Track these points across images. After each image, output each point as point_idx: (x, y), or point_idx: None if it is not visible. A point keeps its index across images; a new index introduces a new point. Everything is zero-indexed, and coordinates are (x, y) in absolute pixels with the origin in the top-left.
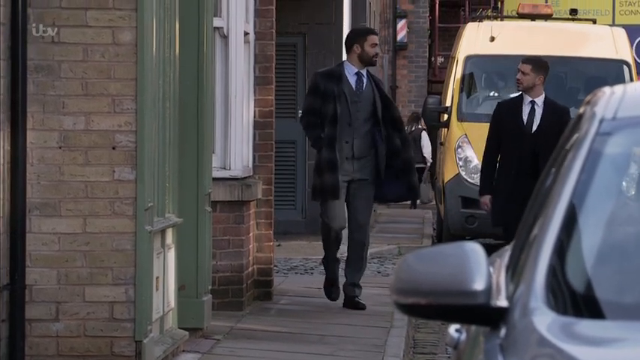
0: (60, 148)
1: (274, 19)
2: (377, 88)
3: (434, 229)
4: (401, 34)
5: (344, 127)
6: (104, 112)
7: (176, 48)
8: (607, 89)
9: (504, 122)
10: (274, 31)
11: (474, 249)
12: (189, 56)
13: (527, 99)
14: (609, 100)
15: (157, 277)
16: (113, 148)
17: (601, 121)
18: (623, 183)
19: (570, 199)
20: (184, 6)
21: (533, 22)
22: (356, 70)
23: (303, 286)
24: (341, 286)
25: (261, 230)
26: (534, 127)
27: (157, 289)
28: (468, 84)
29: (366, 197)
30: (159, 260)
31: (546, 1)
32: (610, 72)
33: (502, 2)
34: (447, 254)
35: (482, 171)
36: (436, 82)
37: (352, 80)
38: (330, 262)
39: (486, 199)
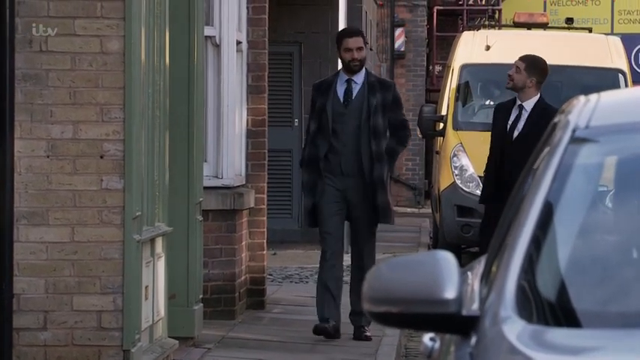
0: (48, 157)
1: (267, 28)
2: (369, 94)
3: (430, 237)
4: (399, 43)
5: (323, 144)
6: (92, 120)
7: (166, 57)
8: (582, 98)
9: (494, 127)
10: (267, 39)
11: (446, 258)
12: (179, 65)
13: (517, 102)
14: (583, 108)
15: (147, 286)
16: (101, 157)
17: (574, 129)
18: (595, 192)
19: (542, 207)
20: (175, 15)
21: (529, 30)
22: (346, 78)
23: (296, 295)
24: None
25: (254, 239)
26: (515, 135)
27: (146, 298)
28: (463, 93)
29: (364, 221)
30: (148, 269)
31: (545, 10)
32: (605, 81)
33: (500, 11)
34: (418, 263)
35: (485, 177)
36: (434, 91)
37: (340, 90)
38: (320, 291)
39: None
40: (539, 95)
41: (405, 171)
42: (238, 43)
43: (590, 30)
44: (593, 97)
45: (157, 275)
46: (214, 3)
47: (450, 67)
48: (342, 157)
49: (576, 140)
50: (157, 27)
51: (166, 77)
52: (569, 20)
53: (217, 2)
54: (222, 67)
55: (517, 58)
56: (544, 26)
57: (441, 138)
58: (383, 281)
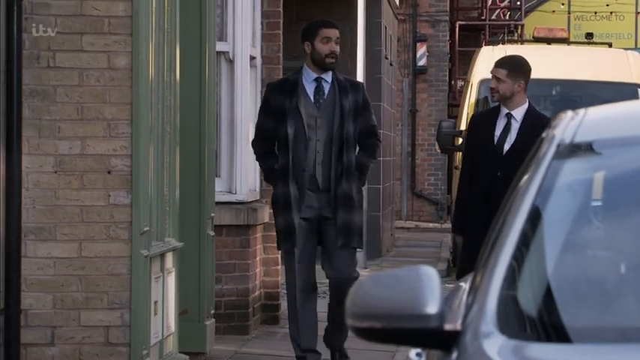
0: (55, 172)
1: (281, 44)
2: (341, 95)
3: (450, 252)
4: (421, 58)
5: (300, 152)
6: (99, 136)
7: (176, 72)
8: (569, 112)
9: (475, 144)
10: (281, 55)
11: (428, 273)
12: (190, 80)
13: (504, 111)
14: (569, 123)
15: (156, 302)
16: (108, 173)
17: (558, 144)
18: (578, 206)
19: (525, 222)
20: (186, 30)
21: (548, 45)
22: (315, 76)
23: None
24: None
25: (269, 254)
26: (506, 147)
27: (155, 314)
28: (482, 108)
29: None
30: (157, 284)
31: (568, 25)
32: (625, 96)
33: (522, 26)
34: (401, 278)
35: (456, 203)
36: (456, 106)
37: (310, 89)
38: (298, 334)
39: (460, 238)
40: (527, 102)
41: (427, 186)
42: (252, 58)
43: (609, 45)
44: (581, 111)
45: (166, 290)
46: (228, 19)
47: (469, 82)
48: (317, 168)
49: (560, 155)
50: (168, 43)
51: (177, 93)
52: (589, 35)
53: (231, 18)
54: (235, 83)
55: (493, 66)
56: (564, 41)
57: (460, 153)
58: (366, 297)
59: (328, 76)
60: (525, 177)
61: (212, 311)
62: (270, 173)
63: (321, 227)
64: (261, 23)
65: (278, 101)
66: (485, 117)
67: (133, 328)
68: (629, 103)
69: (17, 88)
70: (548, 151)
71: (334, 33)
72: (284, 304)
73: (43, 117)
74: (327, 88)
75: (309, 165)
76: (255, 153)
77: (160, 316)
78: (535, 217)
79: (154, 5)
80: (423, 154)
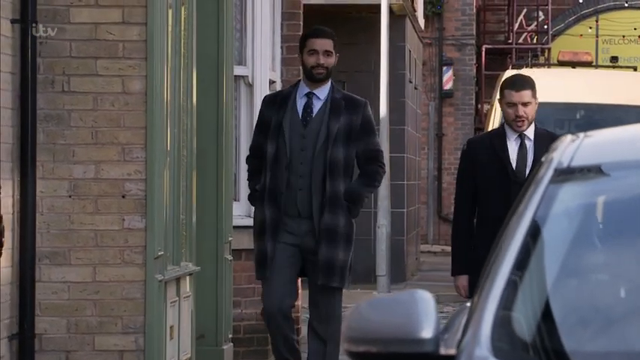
0: (70, 196)
1: (301, 68)
2: (330, 115)
3: None
4: (447, 82)
5: (280, 174)
6: (114, 160)
7: (193, 96)
8: (569, 136)
9: (481, 168)
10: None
11: (424, 297)
12: (208, 105)
13: (513, 133)
14: (567, 147)
15: (172, 326)
16: (123, 197)
17: (555, 169)
18: (574, 231)
19: (521, 246)
20: (203, 55)
21: (573, 69)
22: (306, 91)
23: None
24: None
25: None
26: (527, 172)
27: (171, 338)
28: None
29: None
30: (174, 309)
31: (596, 49)
32: None
33: (549, 50)
34: (397, 302)
35: (454, 242)
36: (482, 130)
37: (300, 105)
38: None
39: (464, 280)
40: None
41: (453, 210)
42: (272, 82)
43: (635, 69)
44: (580, 135)
45: (182, 315)
46: (247, 43)
47: (493, 105)
48: (298, 194)
49: (557, 179)
50: (184, 67)
51: (193, 117)
52: (614, 59)
53: (250, 42)
54: (255, 107)
55: (511, 91)
56: (588, 64)
57: None
58: (362, 321)
59: (322, 92)
60: (523, 200)
61: (230, 335)
62: (250, 194)
63: (305, 259)
64: (281, 47)
65: (268, 115)
66: (487, 142)
67: (147, 353)
68: (629, 127)
69: (32, 113)
70: (546, 175)
71: (322, 44)
72: (304, 329)
73: (57, 141)
74: (317, 105)
75: (289, 189)
76: (247, 171)
77: (176, 340)
78: (531, 241)
79: (169, 29)
80: (450, 177)
